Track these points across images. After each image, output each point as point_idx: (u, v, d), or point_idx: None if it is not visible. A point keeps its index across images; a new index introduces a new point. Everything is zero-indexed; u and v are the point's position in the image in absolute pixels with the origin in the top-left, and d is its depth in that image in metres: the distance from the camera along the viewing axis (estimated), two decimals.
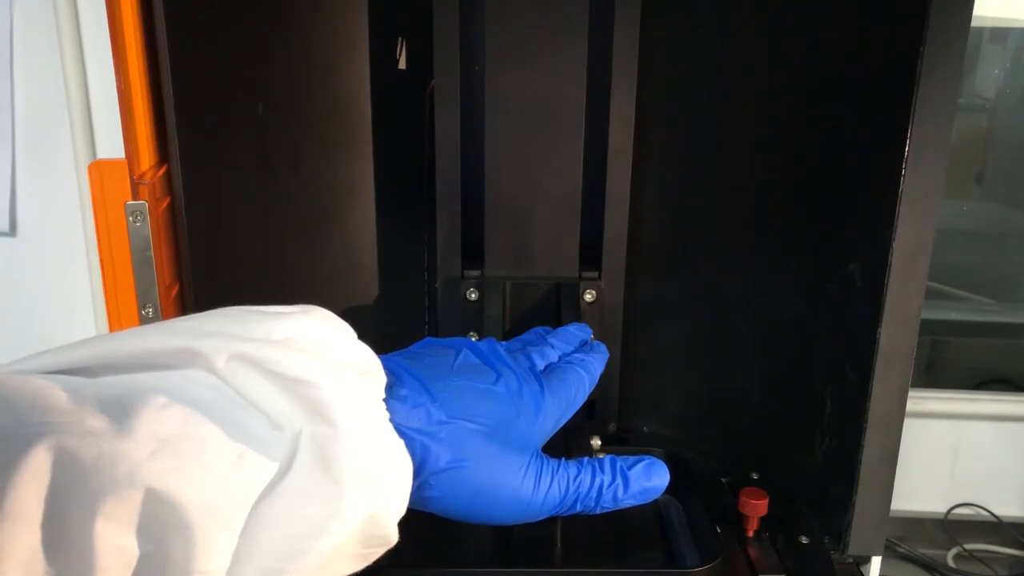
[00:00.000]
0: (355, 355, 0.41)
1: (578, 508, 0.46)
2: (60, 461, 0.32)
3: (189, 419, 0.35)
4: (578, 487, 0.46)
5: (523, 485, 0.44)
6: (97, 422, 0.33)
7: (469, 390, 0.44)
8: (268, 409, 0.37)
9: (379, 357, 0.45)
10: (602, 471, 0.46)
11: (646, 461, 0.47)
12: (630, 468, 0.47)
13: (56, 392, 0.34)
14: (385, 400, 0.41)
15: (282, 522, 0.36)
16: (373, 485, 0.38)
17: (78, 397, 0.34)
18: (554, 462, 0.46)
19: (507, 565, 0.53)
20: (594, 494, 0.46)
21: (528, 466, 0.44)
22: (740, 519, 0.56)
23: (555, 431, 0.48)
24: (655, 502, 0.48)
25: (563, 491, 0.45)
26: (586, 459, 0.47)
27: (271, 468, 0.36)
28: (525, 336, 0.55)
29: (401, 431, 0.41)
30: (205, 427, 0.35)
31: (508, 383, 0.45)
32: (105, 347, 0.38)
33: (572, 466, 0.46)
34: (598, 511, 0.47)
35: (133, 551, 0.32)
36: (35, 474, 0.31)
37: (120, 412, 0.34)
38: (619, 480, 0.46)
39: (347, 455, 0.37)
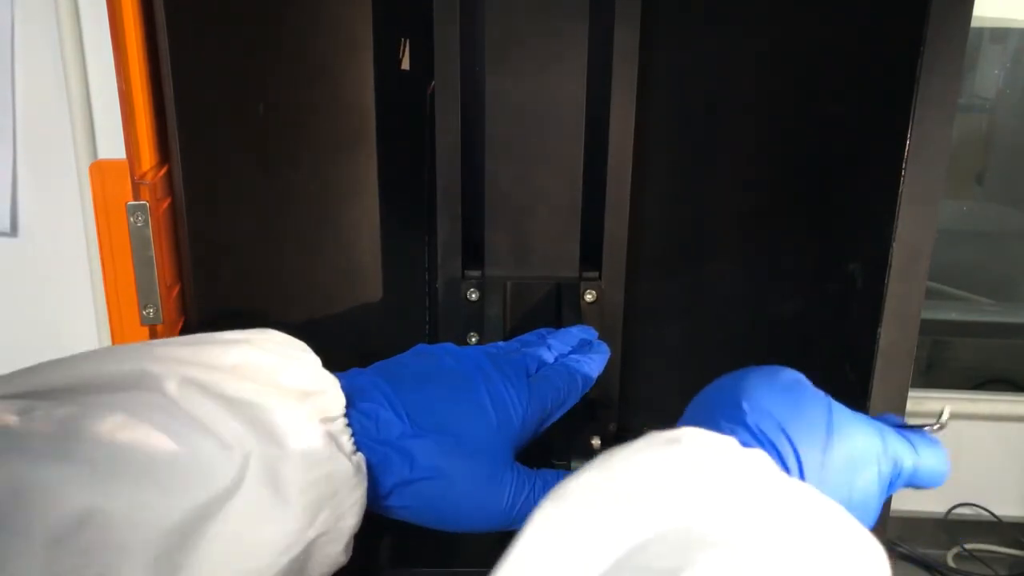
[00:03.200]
0: (305, 376, 0.41)
1: None
2: (7, 485, 0.32)
3: (138, 441, 0.35)
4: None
5: (491, 495, 0.44)
6: (45, 445, 0.33)
7: (443, 400, 0.44)
8: (218, 431, 0.37)
9: (354, 371, 0.46)
10: None
11: None
12: None
13: (7, 416, 0.34)
14: (350, 414, 0.41)
15: (232, 542, 0.36)
16: (323, 504, 0.38)
17: (27, 420, 0.34)
18: (526, 473, 0.46)
19: None
20: None
21: (499, 477, 0.45)
22: None
23: (538, 433, 0.48)
24: None
25: (536, 502, 0.45)
26: (563, 473, 0.47)
27: (221, 489, 0.36)
28: (525, 336, 0.55)
29: (366, 444, 0.41)
30: (154, 449, 0.35)
31: (487, 389, 0.45)
32: (59, 371, 0.38)
33: (551, 475, 0.47)
34: None
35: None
36: None
37: (69, 434, 0.34)
38: None
39: (296, 475, 0.37)
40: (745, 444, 0.37)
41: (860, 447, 0.40)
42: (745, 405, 0.39)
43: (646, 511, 0.30)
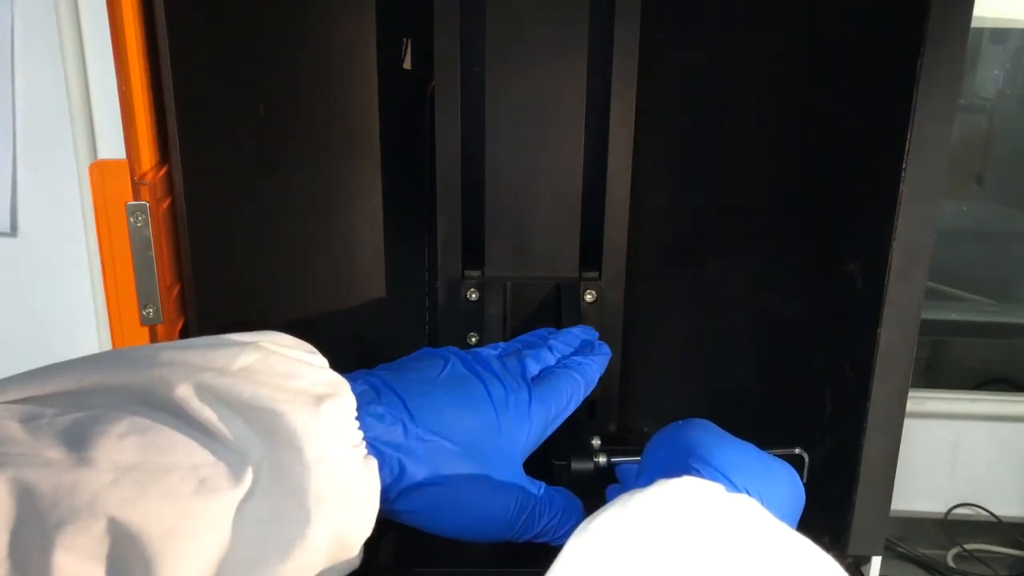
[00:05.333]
0: (317, 380, 0.41)
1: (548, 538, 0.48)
2: (18, 493, 0.32)
3: (149, 447, 0.35)
4: (555, 517, 0.47)
5: (497, 504, 0.45)
6: (54, 452, 0.33)
7: (451, 405, 0.44)
8: (229, 436, 0.37)
9: (363, 373, 0.46)
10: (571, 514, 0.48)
11: None
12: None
13: (8, 423, 0.34)
14: (360, 417, 0.41)
15: (246, 547, 0.36)
16: (339, 508, 0.38)
17: (33, 427, 0.34)
18: (531, 484, 0.46)
19: (507, 565, 0.53)
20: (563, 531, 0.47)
21: (505, 487, 0.45)
22: None
23: (545, 437, 0.48)
24: None
25: (541, 514, 0.46)
26: (569, 495, 0.48)
27: (234, 495, 0.36)
28: (526, 336, 0.55)
29: (376, 447, 0.41)
30: (166, 455, 0.35)
31: (494, 394, 0.45)
32: (65, 375, 0.38)
33: (558, 498, 0.47)
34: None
35: None
36: None
37: (78, 441, 0.34)
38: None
39: (310, 479, 0.37)
40: (729, 490, 0.41)
41: (787, 475, 0.47)
42: (703, 452, 0.44)
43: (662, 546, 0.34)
